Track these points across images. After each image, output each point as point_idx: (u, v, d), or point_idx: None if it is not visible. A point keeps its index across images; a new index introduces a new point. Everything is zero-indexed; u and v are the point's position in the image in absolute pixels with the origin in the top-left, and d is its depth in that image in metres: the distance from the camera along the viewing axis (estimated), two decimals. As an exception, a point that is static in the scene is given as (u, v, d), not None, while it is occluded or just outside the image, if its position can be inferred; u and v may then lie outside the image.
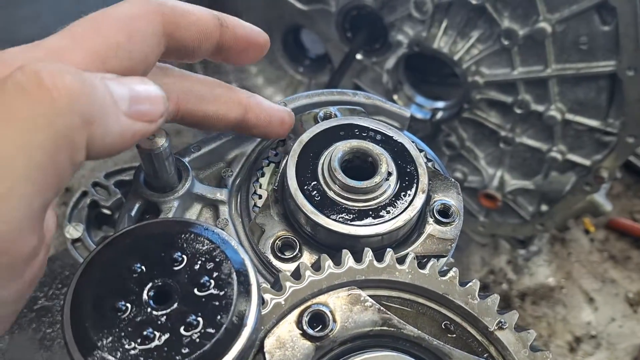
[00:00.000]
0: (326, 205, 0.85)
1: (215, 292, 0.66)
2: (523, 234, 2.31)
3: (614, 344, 2.57)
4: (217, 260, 0.68)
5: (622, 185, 3.08)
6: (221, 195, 0.93)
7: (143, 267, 0.66)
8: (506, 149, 2.05)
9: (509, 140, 2.02)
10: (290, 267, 0.85)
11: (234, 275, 0.67)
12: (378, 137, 0.92)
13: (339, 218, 0.84)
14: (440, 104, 2.17)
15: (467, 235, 2.44)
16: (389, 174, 0.87)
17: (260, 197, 0.94)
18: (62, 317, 0.65)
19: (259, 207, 0.92)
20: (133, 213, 0.87)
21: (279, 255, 0.86)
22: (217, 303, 0.65)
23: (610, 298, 2.70)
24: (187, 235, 0.70)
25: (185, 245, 0.69)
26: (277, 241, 0.87)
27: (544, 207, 2.15)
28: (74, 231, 1.24)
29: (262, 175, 0.96)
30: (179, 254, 0.68)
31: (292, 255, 0.86)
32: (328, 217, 0.83)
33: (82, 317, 0.64)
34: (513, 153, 2.07)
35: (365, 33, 2.10)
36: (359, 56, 2.15)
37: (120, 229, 0.77)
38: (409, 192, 0.88)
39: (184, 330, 0.63)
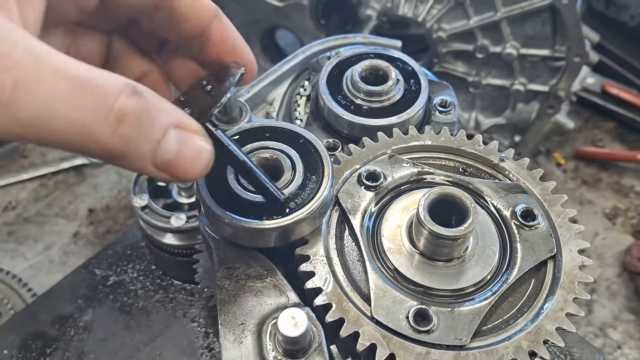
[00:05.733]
0: (356, 109, 1.12)
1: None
2: (504, 166, 2.62)
3: (602, 254, 2.89)
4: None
5: (582, 119, 3.43)
6: (272, 124, 1.20)
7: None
8: (476, 92, 2.36)
9: (477, 84, 2.33)
10: (339, 159, 1.12)
11: (316, 155, 0.93)
12: (383, 58, 1.20)
13: (368, 116, 1.11)
14: (412, 65, 2.48)
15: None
16: (397, 80, 1.15)
17: (301, 120, 1.21)
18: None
19: (304, 127, 1.19)
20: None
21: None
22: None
23: (590, 216, 3.02)
24: (280, 130, 0.96)
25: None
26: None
27: (517, 138, 2.46)
28: (140, 200, 1.49)
29: (298, 105, 1.24)
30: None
31: (338, 152, 1.13)
32: (360, 116, 1.11)
33: None
34: (482, 95, 2.38)
35: (336, 16, 2.40)
36: (335, 39, 2.43)
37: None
38: (414, 91, 1.16)
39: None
